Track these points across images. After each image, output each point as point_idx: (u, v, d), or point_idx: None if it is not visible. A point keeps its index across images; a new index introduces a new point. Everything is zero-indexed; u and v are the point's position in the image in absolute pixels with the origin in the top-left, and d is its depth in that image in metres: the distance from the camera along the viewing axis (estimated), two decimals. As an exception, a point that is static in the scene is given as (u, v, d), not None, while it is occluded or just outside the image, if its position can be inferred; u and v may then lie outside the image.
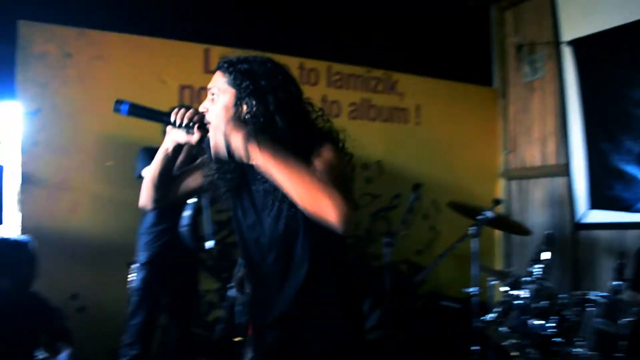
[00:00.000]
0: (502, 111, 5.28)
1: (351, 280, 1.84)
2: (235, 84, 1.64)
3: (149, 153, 3.20)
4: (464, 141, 5.10)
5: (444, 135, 4.97)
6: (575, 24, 4.52)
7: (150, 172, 1.79)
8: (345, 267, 1.80)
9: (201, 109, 1.69)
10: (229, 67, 1.67)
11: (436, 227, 4.84)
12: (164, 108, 3.69)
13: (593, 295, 2.69)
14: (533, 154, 5.00)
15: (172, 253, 3.17)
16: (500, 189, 5.23)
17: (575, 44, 4.50)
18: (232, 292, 3.25)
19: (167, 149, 1.74)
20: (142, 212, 3.23)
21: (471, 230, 3.34)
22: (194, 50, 3.91)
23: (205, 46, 3.93)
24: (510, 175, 5.20)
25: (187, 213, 3.17)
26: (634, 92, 4.06)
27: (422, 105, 4.89)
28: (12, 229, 3.35)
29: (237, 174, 1.72)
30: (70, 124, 3.53)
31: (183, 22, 3.88)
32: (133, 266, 3.18)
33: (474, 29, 5.29)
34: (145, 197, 1.82)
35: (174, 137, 1.71)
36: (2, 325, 2.54)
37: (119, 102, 1.64)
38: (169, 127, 1.71)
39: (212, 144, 1.58)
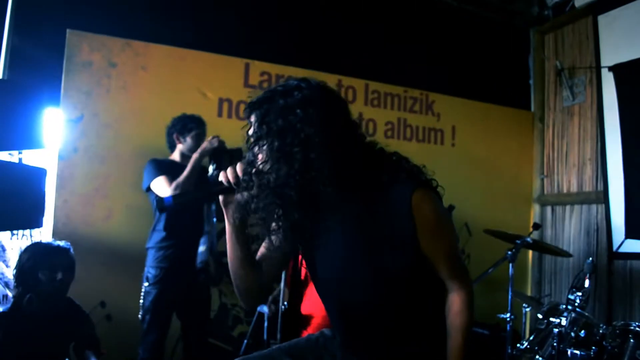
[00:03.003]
0: (539, 135, 5.21)
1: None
2: (254, 131, 1.51)
3: (157, 164, 3.22)
4: (498, 164, 5.04)
5: (478, 158, 4.92)
6: (616, 49, 4.46)
7: (235, 264, 1.63)
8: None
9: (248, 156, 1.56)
10: (249, 112, 1.54)
11: (466, 251, 4.77)
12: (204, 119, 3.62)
13: (635, 326, 2.59)
14: (570, 180, 4.91)
15: (182, 268, 3.17)
16: (534, 214, 5.14)
17: (617, 69, 4.43)
18: (260, 308, 3.22)
19: (235, 222, 1.58)
20: (151, 228, 3.28)
21: (507, 254, 3.27)
22: (235, 64, 3.97)
23: (245, 60, 3.99)
24: (545, 201, 5.11)
25: (202, 248, 3.16)
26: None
27: (458, 127, 4.85)
28: (47, 234, 3.39)
29: (302, 213, 1.54)
30: (109, 133, 3.58)
31: (225, 36, 3.95)
32: (144, 285, 3.19)
33: (513, 51, 5.26)
34: (249, 294, 1.68)
35: (233, 204, 1.56)
36: (39, 329, 2.56)
37: (160, 202, 1.53)
38: (221, 199, 1.57)
39: None
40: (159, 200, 1.53)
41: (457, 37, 4.85)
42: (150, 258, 3.23)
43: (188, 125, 3.33)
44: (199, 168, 3.15)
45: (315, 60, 4.19)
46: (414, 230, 1.52)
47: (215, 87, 3.88)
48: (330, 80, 4.23)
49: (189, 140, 3.32)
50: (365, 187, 1.53)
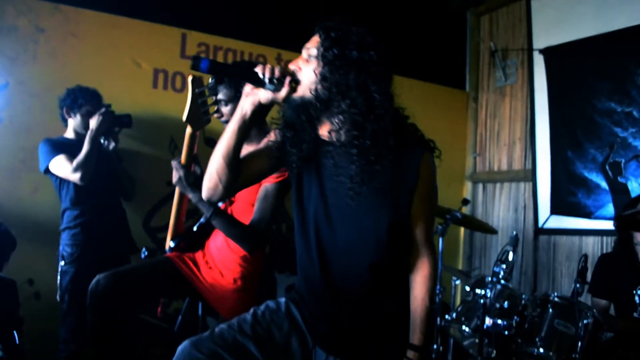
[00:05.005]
0: (473, 115, 5.36)
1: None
2: (321, 50, 1.59)
3: (52, 144, 3.10)
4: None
5: (415, 135, 4.99)
6: (548, 33, 4.62)
7: (221, 149, 1.64)
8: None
9: (291, 67, 1.64)
10: (323, 30, 1.63)
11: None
12: (136, 91, 3.62)
13: (554, 296, 2.75)
14: (500, 159, 5.09)
15: (99, 244, 3.11)
16: (466, 191, 5.31)
17: (547, 52, 4.60)
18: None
19: (246, 113, 1.62)
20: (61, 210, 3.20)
21: (438, 228, 3.37)
22: (171, 34, 3.82)
23: (182, 30, 3.85)
24: (477, 178, 5.28)
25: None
26: (601, 101, 4.17)
27: (397, 104, 4.89)
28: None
29: (312, 145, 1.67)
30: (36, 102, 3.40)
31: (161, 5, 3.80)
32: (60, 265, 3.10)
33: (449, 32, 5.36)
34: (214, 182, 1.66)
35: (254, 97, 1.60)
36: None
37: (197, 59, 1.51)
38: (247, 88, 1.61)
39: (297, 102, 1.57)
40: (195, 57, 1.52)
41: (395, 16, 4.86)
42: (65, 237, 3.13)
43: (78, 100, 3.17)
44: (98, 143, 3.06)
45: (255, 32, 4.12)
46: (415, 187, 1.66)
47: (151, 57, 3.74)
48: (270, 53, 4.19)
49: (79, 117, 3.19)
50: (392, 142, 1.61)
